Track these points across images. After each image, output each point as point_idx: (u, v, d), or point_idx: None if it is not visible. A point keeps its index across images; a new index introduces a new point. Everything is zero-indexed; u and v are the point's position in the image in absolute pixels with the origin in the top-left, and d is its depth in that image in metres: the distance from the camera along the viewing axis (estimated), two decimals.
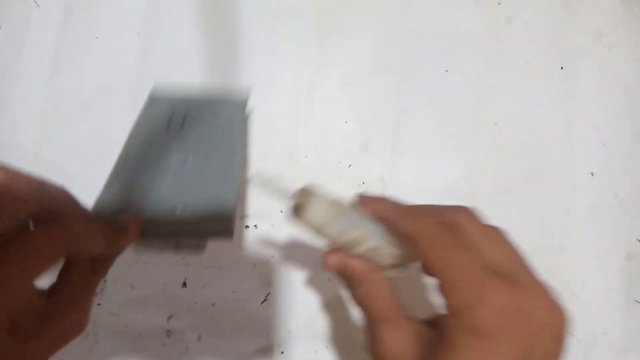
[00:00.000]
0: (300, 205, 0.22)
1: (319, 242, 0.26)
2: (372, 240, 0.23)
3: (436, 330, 0.21)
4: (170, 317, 0.43)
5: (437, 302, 0.24)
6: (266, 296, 0.44)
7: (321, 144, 0.47)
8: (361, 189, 0.46)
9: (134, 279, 0.44)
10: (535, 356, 0.18)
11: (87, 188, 0.44)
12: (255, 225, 0.45)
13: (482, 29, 0.50)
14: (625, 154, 0.49)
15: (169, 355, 0.43)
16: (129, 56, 0.48)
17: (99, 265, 0.26)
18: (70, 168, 0.45)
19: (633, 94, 0.50)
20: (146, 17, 0.49)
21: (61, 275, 0.25)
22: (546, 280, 0.45)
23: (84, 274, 0.25)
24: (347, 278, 0.24)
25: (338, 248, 0.24)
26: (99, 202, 0.31)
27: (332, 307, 0.44)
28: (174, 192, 0.33)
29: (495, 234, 0.23)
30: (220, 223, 0.31)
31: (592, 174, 0.48)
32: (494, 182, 0.47)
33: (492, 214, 0.47)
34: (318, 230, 0.23)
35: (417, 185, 0.47)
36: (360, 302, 0.23)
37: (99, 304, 0.43)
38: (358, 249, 0.23)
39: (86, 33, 0.48)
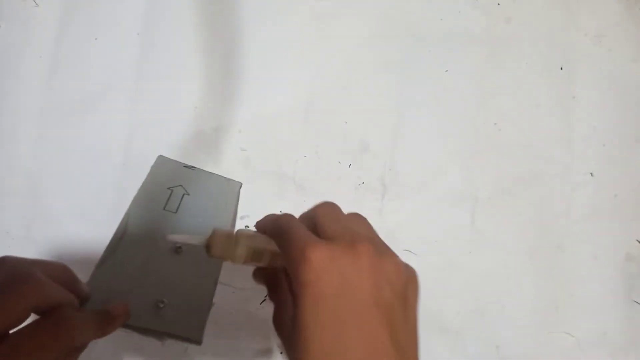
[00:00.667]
0: (207, 245, 0.27)
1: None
2: (269, 251, 0.27)
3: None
4: None
5: None
6: (265, 296, 0.44)
7: (321, 144, 0.47)
8: (361, 189, 0.46)
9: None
10: (351, 289, 0.22)
11: (88, 188, 0.44)
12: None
13: (481, 29, 0.50)
14: (625, 154, 0.49)
15: (168, 356, 0.43)
16: (128, 56, 0.48)
17: (75, 350, 0.27)
18: (70, 168, 0.45)
19: (632, 95, 0.50)
20: (146, 17, 0.49)
21: None
22: (545, 280, 0.46)
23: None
24: (268, 285, 0.30)
25: (257, 266, 0.30)
26: (94, 281, 0.33)
27: None
28: (160, 283, 0.36)
29: (337, 215, 0.26)
30: (192, 330, 0.35)
31: (591, 174, 0.48)
32: (494, 183, 0.47)
33: (492, 214, 0.47)
34: (230, 259, 0.27)
35: (417, 186, 0.47)
36: (275, 301, 0.29)
37: None
38: (264, 260, 0.28)
39: (85, 33, 0.48)
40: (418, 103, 0.49)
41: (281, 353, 0.43)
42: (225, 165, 0.46)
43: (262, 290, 0.44)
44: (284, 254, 0.24)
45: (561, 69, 0.50)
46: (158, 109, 0.47)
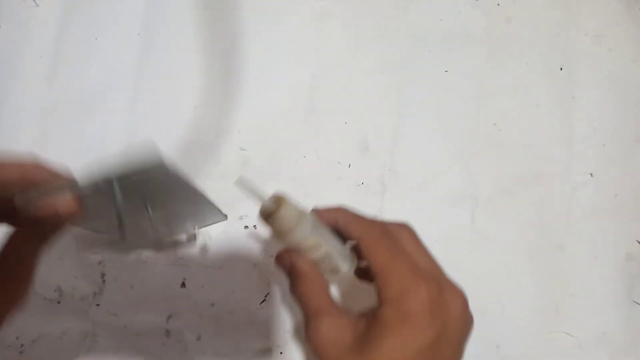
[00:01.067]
0: (272, 210, 0.25)
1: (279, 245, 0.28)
2: (326, 248, 0.26)
3: (368, 320, 0.24)
4: (169, 317, 0.43)
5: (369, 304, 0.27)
6: (265, 296, 0.44)
7: (321, 144, 0.47)
8: (361, 189, 0.46)
9: (133, 279, 0.44)
10: (446, 338, 0.23)
11: None
12: (255, 226, 0.45)
13: (481, 29, 0.50)
14: (625, 154, 0.49)
15: (168, 356, 0.43)
16: (128, 56, 0.48)
17: (40, 233, 0.26)
18: (70, 168, 0.45)
19: (633, 95, 0.50)
20: (146, 17, 0.49)
21: None
22: (546, 280, 0.46)
23: (21, 242, 0.25)
24: (292, 274, 0.27)
25: (290, 249, 0.27)
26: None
27: None
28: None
29: (423, 248, 0.27)
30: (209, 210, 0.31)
31: (591, 174, 0.48)
32: (494, 183, 0.47)
33: (492, 214, 0.47)
34: (284, 235, 0.25)
35: (417, 186, 0.47)
36: (300, 296, 0.26)
37: (97, 305, 0.43)
38: (313, 254, 0.26)
39: (85, 33, 0.48)
40: (418, 103, 0.48)
41: (281, 353, 0.43)
42: (225, 165, 0.46)
43: (261, 290, 0.44)
44: (383, 271, 0.24)
45: (561, 69, 0.50)
46: (158, 108, 0.47)
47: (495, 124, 0.49)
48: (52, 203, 0.25)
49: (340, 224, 0.27)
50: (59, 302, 0.43)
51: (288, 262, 0.27)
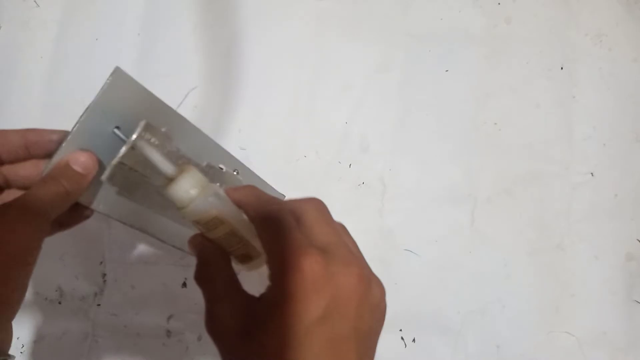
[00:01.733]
0: (172, 178, 0.23)
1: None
2: (232, 227, 0.25)
3: (258, 303, 0.23)
4: (170, 317, 0.43)
5: None
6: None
7: (321, 144, 0.47)
8: (361, 189, 0.47)
9: (134, 279, 0.44)
10: (339, 313, 0.21)
11: None
12: None
13: (481, 29, 0.50)
14: (625, 154, 0.49)
15: (169, 355, 0.43)
16: (128, 56, 0.48)
17: (43, 219, 0.25)
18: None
19: (633, 95, 0.50)
20: (146, 17, 0.49)
21: None
22: (546, 279, 0.46)
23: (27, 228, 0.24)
24: (197, 260, 0.26)
25: (201, 233, 0.26)
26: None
27: None
28: None
29: (326, 221, 0.25)
30: None
31: (592, 174, 0.48)
32: (494, 182, 0.47)
33: (492, 214, 0.47)
34: (184, 205, 0.24)
35: (417, 185, 0.47)
36: (201, 282, 0.25)
37: (98, 305, 0.43)
38: (217, 231, 0.25)
39: (86, 33, 0.48)
40: (418, 103, 0.49)
41: None
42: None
43: (261, 290, 0.44)
44: (269, 249, 0.22)
45: (561, 68, 0.50)
46: None
47: (495, 124, 0.49)
48: (67, 161, 0.26)
49: (242, 205, 0.25)
50: (59, 303, 0.43)
51: (198, 245, 0.26)
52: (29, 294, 0.43)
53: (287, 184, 0.46)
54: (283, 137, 0.47)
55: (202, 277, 0.25)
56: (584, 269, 0.47)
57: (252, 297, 0.24)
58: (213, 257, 0.25)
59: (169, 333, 0.43)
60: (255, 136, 0.47)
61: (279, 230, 0.22)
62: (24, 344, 0.42)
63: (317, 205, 0.25)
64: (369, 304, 0.22)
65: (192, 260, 0.44)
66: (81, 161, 0.26)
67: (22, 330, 0.43)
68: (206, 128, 0.46)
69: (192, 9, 0.49)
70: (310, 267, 0.21)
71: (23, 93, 0.47)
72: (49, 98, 0.47)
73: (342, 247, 0.23)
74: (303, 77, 0.48)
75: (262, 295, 0.23)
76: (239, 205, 0.26)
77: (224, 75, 0.48)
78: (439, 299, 0.45)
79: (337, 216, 0.45)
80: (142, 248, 0.44)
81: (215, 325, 0.23)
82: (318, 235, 0.23)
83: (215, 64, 0.48)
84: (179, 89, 0.47)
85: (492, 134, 0.48)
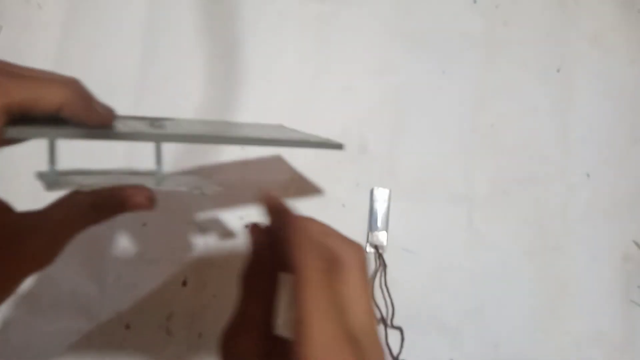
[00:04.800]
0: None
1: None
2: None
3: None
4: (170, 315, 0.43)
5: None
6: None
7: None
8: (361, 189, 0.47)
9: (134, 277, 0.44)
10: None
11: None
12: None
13: (479, 31, 0.51)
14: (621, 155, 0.49)
15: (169, 355, 0.43)
16: (131, 59, 0.48)
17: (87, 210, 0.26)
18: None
19: (629, 96, 0.51)
20: (148, 20, 0.49)
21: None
22: (543, 279, 0.46)
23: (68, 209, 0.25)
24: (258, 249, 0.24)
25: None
26: None
27: None
28: None
29: (366, 295, 0.21)
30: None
31: (588, 175, 0.49)
32: (491, 183, 0.48)
33: (489, 215, 0.47)
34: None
35: (415, 186, 0.47)
36: (303, 295, 0.21)
37: (99, 303, 0.43)
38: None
39: (89, 36, 0.49)
40: (416, 104, 0.49)
41: None
42: None
43: None
44: (302, 323, 0.19)
45: (558, 70, 0.50)
46: (160, 110, 0.47)
47: (492, 125, 0.49)
48: (131, 196, 0.26)
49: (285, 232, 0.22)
50: (60, 301, 0.43)
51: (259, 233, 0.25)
52: (29, 293, 0.43)
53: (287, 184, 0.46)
54: None
55: (253, 288, 0.24)
56: (581, 269, 0.47)
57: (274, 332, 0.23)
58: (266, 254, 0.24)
59: (169, 331, 0.43)
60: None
61: (320, 305, 0.19)
62: (24, 343, 0.43)
63: (362, 260, 0.22)
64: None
65: (193, 259, 0.44)
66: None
67: (22, 330, 0.43)
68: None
69: (194, 12, 0.49)
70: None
71: None
72: None
73: (375, 336, 0.21)
74: (303, 77, 0.49)
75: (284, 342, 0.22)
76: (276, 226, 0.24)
77: (225, 77, 0.48)
78: (437, 299, 0.45)
79: (337, 216, 0.46)
80: (142, 246, 0.44)
81: (234, 347, 0.23)
82: (354, 315, 0.20)
83: (216, 66, 0.48)
84: (180, 91, 0.48)
85: (489, 135, 0.49)
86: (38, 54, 0.48)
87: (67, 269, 0.44)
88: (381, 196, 0.46)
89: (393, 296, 0.44)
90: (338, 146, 0.32)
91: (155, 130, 0.26)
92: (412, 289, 0.45)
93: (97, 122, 0.24)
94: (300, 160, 0.47)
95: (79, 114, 0.24)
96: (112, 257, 0.44)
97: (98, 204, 0.26)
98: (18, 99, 0.21)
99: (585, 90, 0.50)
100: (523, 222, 0.47)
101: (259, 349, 0.22)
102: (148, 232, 0.44)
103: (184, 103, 0.47)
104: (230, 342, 0.23)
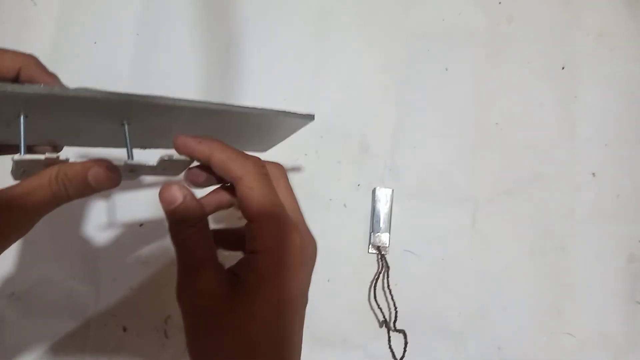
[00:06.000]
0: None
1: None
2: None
3: (241, 272, 0.24)
4: (168, 317, 0.43)
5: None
6: None
7: (321, 144, 0.47)
8: (361, 189, 0.46)
9: (131, 279, 0.43)
10: (308, 275, 0.25)
11: None
12: None
13: (482, 28, 0.50)
14: (627, 154, 0.49)
15: (166, 358, 0.43)
16: (127, 56, 0.48)
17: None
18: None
19: (635, 94, 0.50)
20: (144, 16, 0.48)
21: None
22: (547, 281, 0.45)
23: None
24: (183, 211, 0.24)
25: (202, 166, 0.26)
26: None
27: (330, 308, 0.44)
28: None
29: (291, 190, 0.27)
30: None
31: (593, 174, 0.48)
32: (495, 183, 0.47)
33: (493, 215, 0.47)
34: None
35: (417, 186, 0.47)
36: (182, 243, 0.25)
37: (96, 305, 0.43)
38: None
39: (83, 32, 0.48)
40: (418, 102, 0.48)
41: None
42: None
43: None
44: (257, 217, 0.23)
45: (563, 68, 0.50)
46: None
47: (496, 124, 0.48)
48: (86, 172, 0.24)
49: (216, 159, 0.24)
50: (56, 303, 0.43)
51: (191, 186, 0.25)
52: (25, 295, 0.42)
53: None
54: None
55: (184, 237, 0.24)
56: (586, 270, 0.46)
57: (225, 268, 0.25)
58: (200, 213, 0.24)
59: (167, 334, 0.43)
60: None
61: (270, 200, 0.24)
62: (19, 345, 0.42)
63: (284, 172, 0.27)
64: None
65: None
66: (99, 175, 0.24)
67: (17, 331, 0.42)
68: None
69: (191, 7, 0.49)
70: (300, 243, 0.24)
71: None
72: None
73: (301, 214, 0.26)
74: (303, 75, 0.48)
75: (248, 263, 0.24)
76: (206, 160, 0.24)
77: (223, 74, 0.48)
78: (440, 300, 0.45)
79: (338, 217, 0.45)
80: (139, 248, 0.44)
81: (195, 295, 0.24)
82: (289, 205, 0.25)
83: (213, 64, 0.48)
84: (177, 89, 0.47)
85: (493, 134, 0.48)
86: (32, 51, 0.47)
87: (62, 270, 0.43)
88: (383, 196, 0.45)
89: (396, 298, 0.43)
90: (309, 117, 0.34)
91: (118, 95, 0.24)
92: (415, 291, 0.44)
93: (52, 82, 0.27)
94: (300, 160, 0.46)
95: (38, 74, 0.26)
96: (108, 258, 0.44)
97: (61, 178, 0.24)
98: None
99: (591, 88, 0.49)
100: (527, 223, 0.47)
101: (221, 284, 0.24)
102: (145, 233, 0.44)
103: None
104: (189, 289, 0.24)
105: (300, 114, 0.33)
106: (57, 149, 0.30)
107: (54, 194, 0.23)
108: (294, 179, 0.46)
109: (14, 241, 0.24)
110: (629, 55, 0.51)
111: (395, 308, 0.43)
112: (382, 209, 0.45)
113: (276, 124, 0.35)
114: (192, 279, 0.24)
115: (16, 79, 0.26)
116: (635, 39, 0.51)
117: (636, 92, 0.50)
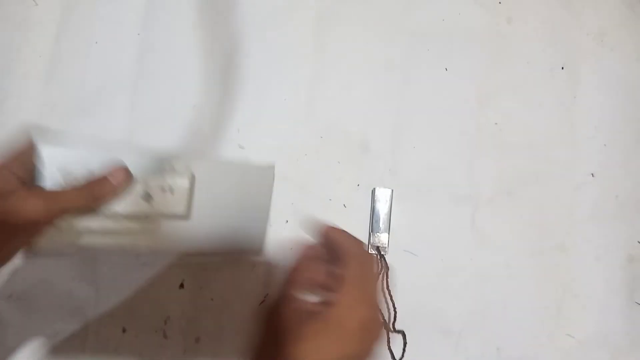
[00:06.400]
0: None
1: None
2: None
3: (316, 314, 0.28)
4: (167, 318, 0.43)
5: None
6: (265, 297, 0.43)
7: (321, 144, 0.47)
8: (361, 189, 0.46)
9: (131, 280, 0.43)
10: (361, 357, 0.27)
11: None
12: None
13: (482, 28, 0.50)
14: (626, 154, 0.49)
15: (165, 357, 0.43)
16: (128, 56, 0.48)
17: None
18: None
19: (634, 95, 0.50)
20: (145, 17, 0.48)
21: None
22: (547, 281, 0.45)
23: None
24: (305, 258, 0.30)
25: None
26: None
27: None
28: None
29: (375, 279, 0.33)
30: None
31: (592, 174, 0.48)
32: (495, 183, 0.47)
33: (493, 215, 0.47)
34: None
35: (417, 186, 0.47)
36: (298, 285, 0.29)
37: (95, 306, 0.43)
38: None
39: (85, 33, 0.48)
40: (418, 102, 0.48)
41: None
42: None
43: (260, 291, 0.43)
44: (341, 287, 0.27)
45: (563, 68, 0.50)
46: (157, 108, 0.47)
47: (496, 124, 0.48)
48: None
49: (335, 235, 0.31)
50: (56, 303, 0.43)
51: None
52: (25, 295, 0.42)
53: (287, 183, 0.46)
54: (283, 136, 0.47)
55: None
56: (586, 270, 0.46)
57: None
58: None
59: (166, 335, 0.43)
60: (254, 135, 0.47)
61: (359, 276, 0.28)
62: (20, 345, 0.42)
63: (375, 263, 0.33)
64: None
65: (190, 262, 0.43)
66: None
67: (18, 331, 0.42)
68: (205, 127, 0.47)
69: (192, 8, 0.49)
70: (366, 318, 0.27)
71: (21, 92, 0.47)
72: (47, 98, 0.47)
73: (379, 308, 0.30)
74: (303, 76, 0.48)
75: (316, 315, 0.27)
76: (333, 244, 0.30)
77: (223, 75, 0.48)
78: (440, 300, 0.45)
79: (338, 217, 0.45)
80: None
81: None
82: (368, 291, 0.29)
83: (214, 64, 0.48)
84: (178, 88, 0.47)
85: (493, 134, 0.48)
86: (34, 51, 0.48)
87: (62, 271, 0.43)
88: (383, 196, 0.45)
89: (395, 299, 0.43)
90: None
91: None
92: (415, 292, 0.44)
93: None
94: (300, 159, 0.46)
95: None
96: (108, 260, 0.43)
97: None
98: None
99: (591, 88, 0.49)
100: (527, 223, 0.47)
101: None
102: None
103: (181, 100, 0.47)
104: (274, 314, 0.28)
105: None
106: None
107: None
108: (294, 178, 0.46)
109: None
110: (629, 55, 0.51)
111: (395, 308, 0.43)
112: (382, 209, 0.45)
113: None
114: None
115: None
116: (635, 39, 0.51)
117: (636, 91, 0.50)
